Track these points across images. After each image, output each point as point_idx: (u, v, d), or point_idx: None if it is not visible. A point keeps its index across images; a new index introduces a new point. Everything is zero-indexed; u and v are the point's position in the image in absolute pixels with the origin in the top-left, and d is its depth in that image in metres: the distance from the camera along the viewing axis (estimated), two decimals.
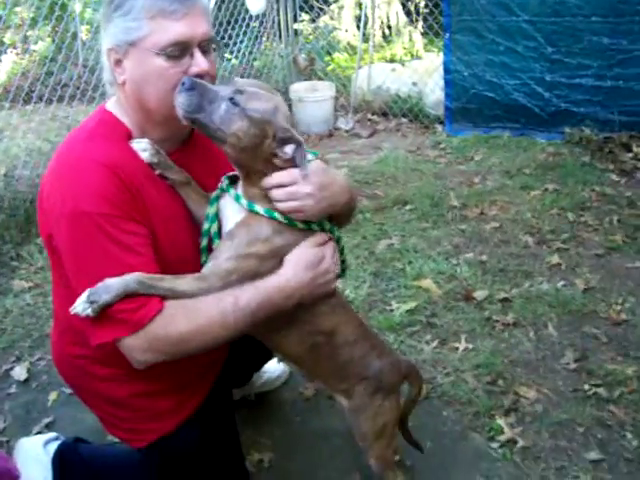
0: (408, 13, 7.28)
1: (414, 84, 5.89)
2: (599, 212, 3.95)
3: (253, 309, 1.58)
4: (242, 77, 6.03)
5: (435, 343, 2.87)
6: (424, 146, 5.35)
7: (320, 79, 6.45)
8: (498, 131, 5.30)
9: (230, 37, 6.15)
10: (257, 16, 6.23)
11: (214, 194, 1.70)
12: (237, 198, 1.64)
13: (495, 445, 2.32)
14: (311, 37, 7.17)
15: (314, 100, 5.85)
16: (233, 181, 1.69)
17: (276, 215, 1.60)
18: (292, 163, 1.58)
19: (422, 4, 6.89)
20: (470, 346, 2.83)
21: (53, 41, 6.33)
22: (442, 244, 3.70)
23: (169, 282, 1.56)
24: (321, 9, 7.21)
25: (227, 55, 6.25)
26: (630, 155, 4.64)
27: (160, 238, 1.65)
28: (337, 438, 2.36)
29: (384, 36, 7.31)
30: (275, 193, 1.59)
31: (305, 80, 6.36)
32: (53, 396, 2.73)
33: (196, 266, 1.65)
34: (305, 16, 7.06)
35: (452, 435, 2.40)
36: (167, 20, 1.55)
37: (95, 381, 1.82)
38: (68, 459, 2.08)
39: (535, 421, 2.42)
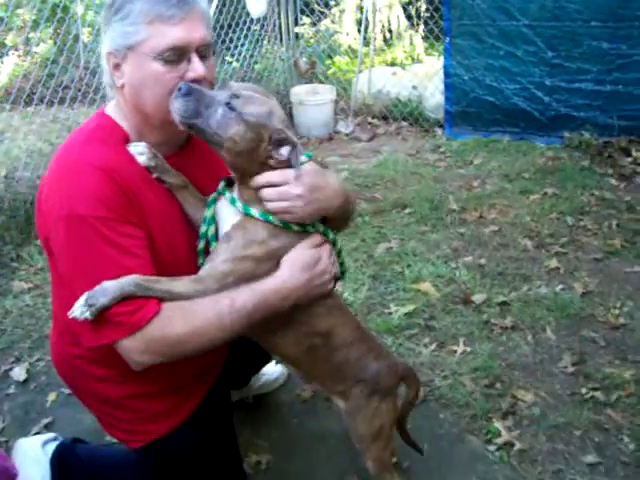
0: (409, 17, 7.30)
1: (414, 88, 5.91)
2: (598, 216, 3.96)
3: (249, 311, 1.58)
4: (243, 80, 6.05)
5: (433, 346, 2.87)
6: (424, 150, 5.36)
7: (321, 82, 6.46)
8: (498, 135, 5.31)
9: (231, 40, 6.16)
10: (258, 19, 6.24)
11: (211, 197, 1.71)
12: (233, 201, 1.64)
13: (492, 448, 2.33)
14: (312, 40, 7.19)
15: (314, 103, 5.86)
16: (230, 184, 1.70)
17: (271, 218, 1.61)
18: (288, 164, 1.58)
19: (423, 8, 6.91)
20: (468, 349, 2.83)
21: (55, 43, 6.35)
22: (441, 247, 3.71)
23: (166, 284, 1.56)
24: (322, 13, 7.23)
25: (228, 58, 6.27)
26: (629, 160, 4.66)
27: (157, 241, 1.66)
28: (334, 440, 2.36)
29: (385, 40, 7.32)
30: (265, 192, 1.60)
31: (306, 83, 6.37)
32: (52, 397, 2.74)
33: (193, 269, 1.66)
34: (306, 19, 7.07)
35: (449, 438, 2.40)
36: (164, 25, 1.56)
37: (92, 381, 1.82)
38: (66, 459, 2.08)
39: (532, 424, 2.42)
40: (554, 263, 3.45)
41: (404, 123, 5.92)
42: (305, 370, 1.91)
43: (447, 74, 5.42)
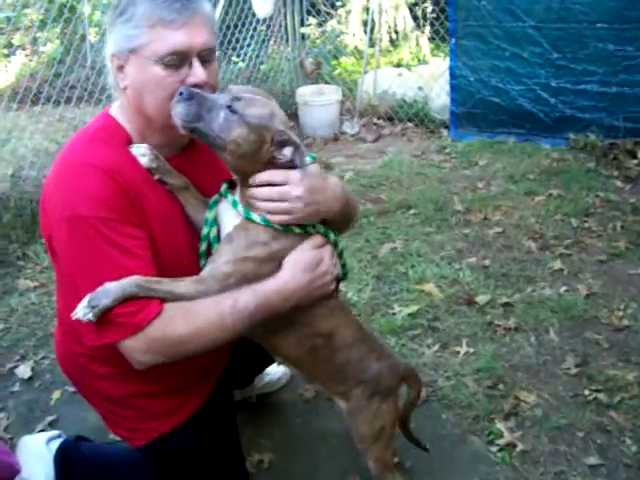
0: (415, 18, 7.29)
1: (420, 89, 5.91)
2: (603, 218, 3.96)
3: (251, 311, 1.59)
4: (249, 80, 6.08)
5: (436, 347, 2.88)
6: (429, 151, 5.36)
7: (326, 83, 6.47)
8: (503, 136, 5.31)
9: (237, 40, 6.18)
10: (264, 20, 6.25)
11: (213, 199, 1.71)
12: (234, 204, 1.65)
13: (494, 449, 2.33)
14: (318, 41, 7.19)
15: (320, 104, 5.87)
16: (232, 186, 1.71)
17: (272, 223, 1.61)
18: (291, 165, 1.59)
19: (429, 9, 6.91)
20: (471, 350, 2.84)
21: (62, 43, 6.37)
22: (445, 248, 3.71)
23: (168, 285, 1.57)
24: (328, 13, 7.23)
25: (234, 58, 6.29)
26: (635, 162, 4.65)
27: (158, 242, 1.67)
28: (336, 440, 2.37)
29: (391, 41, 7.32)
30: (265, 191, 1.60)
31: (311, 84, 6.38)
32: (56, 395, 2.75)
33: (194, 270, 1.66)
34: (312, 20, 7.08)
35: (451, 438, 2.40)
36: (166, 29, 1.55)
37: (95, 379, 1.84)
38: (70, 457, 2.10)
39: (535, 425, 2.42)
40: (558, 265, 3.45)
41: (409, 124, 5.92)
42: (307, 371, 1.91)
43: (453, 75, 5.42)
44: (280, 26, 6.48)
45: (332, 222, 1.74)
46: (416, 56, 7.17)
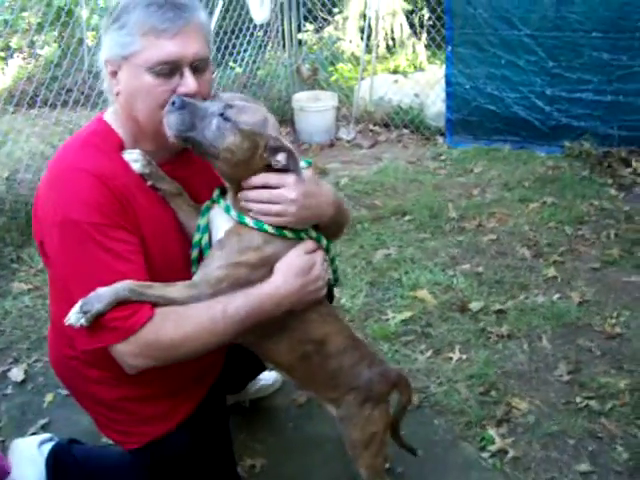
0: (412, 25, 7.33)
1: (416, 96, 5.93)
2: (597, 226, 3.97)
3: (242, 316, 1.59)
4: (245, 86, 6.09)
5: (429, 353, 2.89)
6: (424, 157, 5.38)
7: (323, 89, 6.48)
8: (498, 144, 5.32)
9: (234, 46, 6.19)
10: (261, 25, 6.27)
11: (205, 205, 1.71)
12: (227, 209, 1.65)
13: (486, 455, 2.34)
14: (315, 47, 7.21)
15: (316, 110, 5.88)
16: (224, 192, 1.71)
17: (265, 227, 1.62)
18: (285, 171, 1.60)
19: (426, 17, 6.94)
20: (464, 356, 2.84)
21: (59, 46, 6.38)
22: (439, 255, 3.73)
23: (160, 289, 1.58)
24: (325, 20, 7.26)
25: (231, 64, 6.30)
26: (629, 170, 4.67)
27: (150, 248, 1.67)
28: (329, 445, 2.37)
29: (388, 47, 7.35)
30: (258, 193, 1.60)
31: (308, 90, 6.39)
32: (49, 398, 2.75)
33: (186, 276, 1.67)
34: (309, 26, 7.10)
35: (443, 444, 2.41)
36: (158, 39, 1.55)
37: (88, 383, 1.84)
38: (62, 460, 2.10)
39: (526, 432, 2.43)
40: (552, 272, 3.47)
41: (405, 131, 5.93)
42: (299, 377, 1.91)
43: (449, 82, 5.44)
44: (277, 32, 6.50)
45: (324, 228, 1.75)
46: (412, 63, 7.20)
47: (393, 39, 7.34)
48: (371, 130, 6.06)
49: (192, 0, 1.65)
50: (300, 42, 6.77)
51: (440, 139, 5.66)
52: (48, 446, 2.13)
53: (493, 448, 2.36)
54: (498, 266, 3.57)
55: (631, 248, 3.69)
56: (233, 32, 6.15)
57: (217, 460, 1.98)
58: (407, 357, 2.87)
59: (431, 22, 6.44)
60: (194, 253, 1.71)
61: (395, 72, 6.87)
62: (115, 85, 1.65)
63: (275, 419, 2.59)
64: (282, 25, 6.43)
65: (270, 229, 1.62)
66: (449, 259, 3.68)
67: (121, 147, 1.69)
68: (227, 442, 2.07)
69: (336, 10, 7.42)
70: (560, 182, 4.57)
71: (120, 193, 1.61)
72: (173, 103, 1.51)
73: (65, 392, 2.60)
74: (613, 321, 3.03)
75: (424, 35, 7.09)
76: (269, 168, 1.60)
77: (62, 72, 5.15)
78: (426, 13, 6.96)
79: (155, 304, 1.57)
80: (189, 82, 1.59)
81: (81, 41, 6.08)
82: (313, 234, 1.72)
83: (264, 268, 1.64)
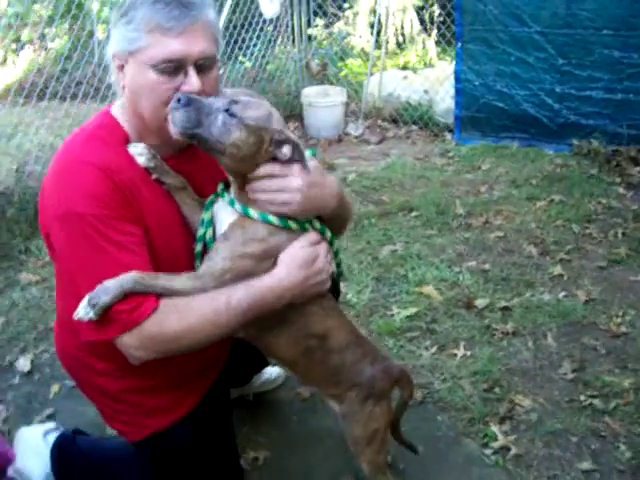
0: (422, 21, 7.30)
1: (425, 92, 5.91)
2: (604, 225, 3.96)
3: (245, 308, 1.60)
4: (254, 80, 6.09)
5: (434, 349, 2.89)
6: (432, 154, 5.37)
7: (332, 84, 6.47)
8: (507, 141, 5.30)
9: (244, 40, 6.20)
10: (271, 20, 6.27)
11: (209, 199, 1.72)
12: (231, 203, 1.66)
13: (488, 452, 2.34)
14: (325, 42, 7.20)
15: (325, 105, 5.88)
16: (228, 186, 1.72)
17: (270, 219, 1.62)
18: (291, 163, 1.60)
19: (436, 13, 6.92)
20: (468, 353, 2.85)
21: (69, 39, 6.40)
22: (446, 251, 3.72)
23: (164, 280, 1.59)
24: (335, 15, 7.24)
25: (240, 58, 6.31)
26: (638, 169, 4.64)
27: (155, 241, 1.68)
28: (332, 439, 2.38)
29: (398, 43, 7.33)
30: (264, 183, 1.61)
31: (317, 85, 6.39)
32: (55, 388, 2.77)
33: (190, 269, 1.68)
34: (319, 21, 7.09)
35: (446, 440, 2.42)
36: (163, 36, 1.55)
37: (93, 374, 1.86)
38: (66, 450, 2.12)
39: (529, 429, 2.43)
40: (558, 270, 3.46)
41: (414, 127, 5.92)
42: (301, 373, 1.91)
43: (458, 79, 5.42)
44: (287, 27, 6.50)
45: (327, 221, 1.75)
46: (422, 59, 7.18)
47: (403, 35, 7.32)
48: (379, 126, 6.06)
49: None
50: (310, 37, 6.76)
51: (448, 136, 5.65)
52: (53, 436, 2.15)
53: (496, 445, 2.36)
54: (504, 263, 3.57)
55: (638, 247, 3.67)
56: (243, 26, 6.15)
57: (220, 453, 1.99)
58: (412, 353, 2.87)
59: (441, 18, 6.43)
60: (198, 247, 1.71)
61: (405, 68, 6.84)
62: (121, 79, 1.66)
63: (279, 413, 2.60)
64: (292, 20, 6.43)
65: (275, 221, 1.63)
66: (455, 255, 3.68)
67: (127, 141, 1.70)
68: (230, 435, 2.08)
69: (346, 5, 7.41)
70: (568, 180, 4.55)
71: (125, 186, 1.62)
72: (179, 100, 1.51)
73: (71, 383, 2.62)
74: (619, 320, 3.03)
75: (434, 31, 7.06)
76: (274, 161, 1.60)
77: (72, 65, 5.17)
78: (436, 9, 6.92)
79: (160, 295, 1.58)
80: (193, 81, 1.59)
81: (91, 34, 6.09)
82: (317, 225, 1.72)
83: (268, 260, 1.64)
